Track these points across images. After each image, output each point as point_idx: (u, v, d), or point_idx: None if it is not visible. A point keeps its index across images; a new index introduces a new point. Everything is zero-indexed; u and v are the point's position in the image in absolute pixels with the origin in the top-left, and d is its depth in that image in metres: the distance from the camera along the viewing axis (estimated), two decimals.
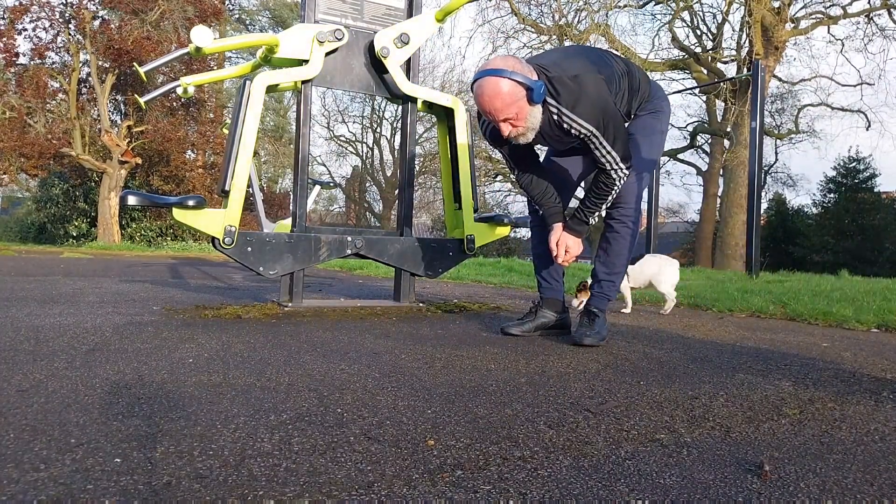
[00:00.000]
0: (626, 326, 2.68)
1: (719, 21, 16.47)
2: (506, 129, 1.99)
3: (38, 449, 0.99)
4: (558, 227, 2.22)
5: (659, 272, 3.11)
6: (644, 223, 7.03)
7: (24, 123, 12.77)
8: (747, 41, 14.40)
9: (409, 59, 3.06)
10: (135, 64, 3.56)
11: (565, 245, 2.17)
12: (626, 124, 2.21)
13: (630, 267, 3.05)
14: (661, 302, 3.70)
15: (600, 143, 2.01)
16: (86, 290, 3.60)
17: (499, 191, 24.52)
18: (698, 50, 16.16)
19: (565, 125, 2.02)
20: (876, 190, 21.34)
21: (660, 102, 2.28)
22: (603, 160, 2.04)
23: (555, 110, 2.00)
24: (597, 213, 2.19)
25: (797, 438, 1.18)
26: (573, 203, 2.50)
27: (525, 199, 2.47)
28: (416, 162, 4.93)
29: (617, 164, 2.04)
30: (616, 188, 2.10)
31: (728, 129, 15.30)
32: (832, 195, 21.85)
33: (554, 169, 2.39)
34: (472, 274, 5.91)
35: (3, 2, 12.57)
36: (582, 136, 2.02)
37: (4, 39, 12.19)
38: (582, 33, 15.12)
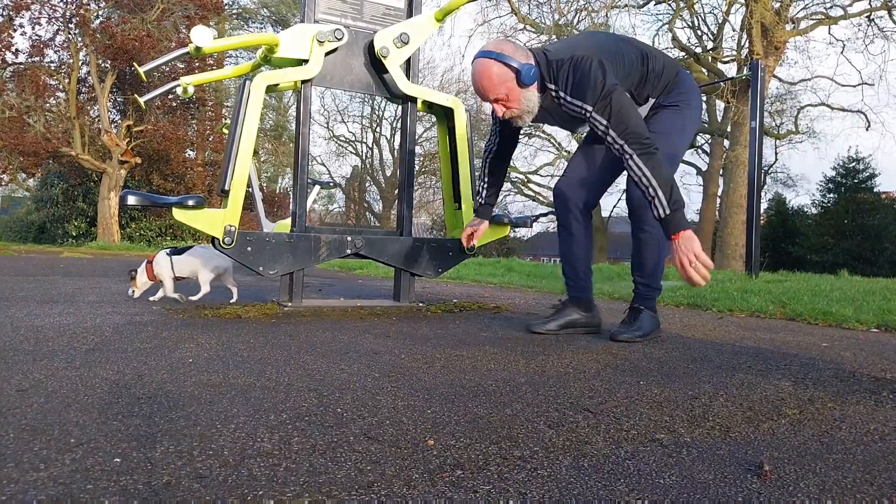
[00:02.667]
0: None
1: (720, 21, 16.49)
2: (499, 110, 2.07)
3: (37, 449, 0.99)
4: (481, 222, 2.61)
5: (203, 264, 3.09)
6: None
7: (23, 122, 12.76)
8: (747, 41, 14.40)
9: (409, 59, 3.06)
10: (134, 64, 3.56)
11: (689, 254, 1.84)
12: (644, 117, 2.18)
13: (176, 258, 3.06)
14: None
15: (597, 120, 1.95)
16: (85, 290, 3.60)
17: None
18: (698, 50, 16.16)
19: (563, 107, 2.03)
20: (875, 190, 21.35)
21: (685, 95, 2.22)
22: (606, 139, 1.96)
23: (553, 94, 2.03)
24: (657, 201, 1.88)
25: (797, 438, 1.18)
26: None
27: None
28: (415, 162, 4.92)
29: (617, 141, 1.92)
30: (636, 168, 1.90)
31: (728, 130, 15.31)
32: (832, 195, 21.85)
33: (588, 152, 2.39)
34: (472, 274, 5.91)
35: None
36: (581, 115, 2.00)
37: (3, 35, 12.17)
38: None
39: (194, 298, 3.12)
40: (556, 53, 2.03)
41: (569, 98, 1.99)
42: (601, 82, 1.95)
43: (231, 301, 3.13)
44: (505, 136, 2.50)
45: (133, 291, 3.14)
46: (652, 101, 2.21)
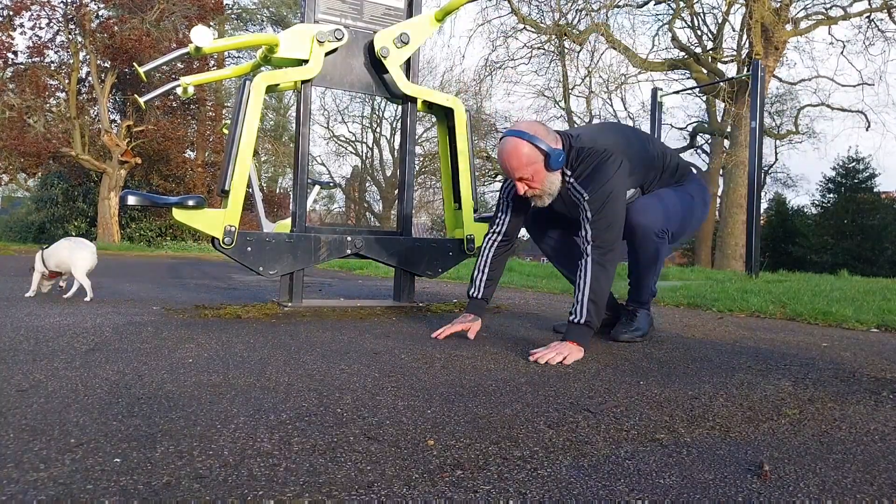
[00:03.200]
0: None
1: (720, 21, 16.48)
2: (521, 188, 2.06)
3: (38, 449, 0.99)
4: (475, 319, 2.23)
5: (69, 256, 2.99)
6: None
7: (24, 123, 12.76)
8: (747, 42, 14.39)
9: (409, 59, 3.06)
10: (135, 64, 3.56)
11: (562, 355, 1.85)
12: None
13: (45, 251, 3.01)
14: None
15: (586, 210, 1.99)
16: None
17: (498, 190, 24.50)
18: (698, 50, 16.15)
19: (569, 191, 2.07)
20: (875, 190, 21.36)
21: (692, 184, 2.30)
22: (582, 228, 1.99)
23: (568, 178, 2.06)
24: (579, 307, 1.93)
25: (797, 438, 1.18)
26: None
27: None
28: (415, 162, 4.92)
29: (588, 238, 1.96)
30: (584, 268, 1.94)
31: (728, 130, 15.31)
32: (832, 195, 21.86)
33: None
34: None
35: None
36: (577, 200, 2.04)
37: (4, 35, 12.17)
38: (582, 33, 15.12)
39: (67, 296, 3.03)
40: (581, 140, 2.07)
41: (576, 184, 2.04)
42: (611, 182, 1.99)
43: (85, 299, 3.03)
44: (515, 213, 2.30)
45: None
46: None
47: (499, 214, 2.32)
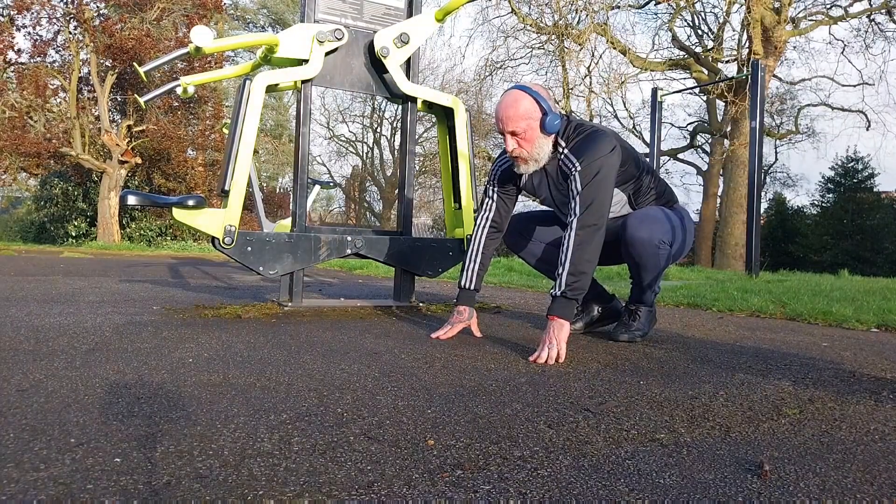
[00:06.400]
0: None
1: (720, 21, 16.48)
2: (510, 143, 2.05)
3: (38, 449, 0.99)
4: (471, 313, 2.20)
5: None
6: None
7: (24, 122, 12.76)
8: (747, 41, 14.38)
9: (409, 59, 3.06)
10: (135, 64, 3.56)
11: (555, 338, 1.86)
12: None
13: None
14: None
15: (576, 180, 1.97)
16: (86, 290, 3.60)
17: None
18: (699, 50, 16.15)
19: (560, 163, 2.06)
20: (875, 190, 21.34)
21: (678, 209, 2.30)
22: (570, 202, 1.97)
23: (561, 149, 2.06)
24: (561, 279, 1.91)
25: (797, 438, 1.18)
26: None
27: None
28: (416, 162, 4.93)
29: (576, 210, 1.94)
30: (567, 239, 1.93)
31: (728, 129, 15.31)
32: (831, 195, 21.85)
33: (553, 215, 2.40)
34: None
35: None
36: (568, 171, 2.02)
37: (4, 35, 12.17)
38: (582, 33, 15.12)
39: None
40: (581, 119, 2.12)
41: (569, 153, 2.02)
42: (605, 158, 1.98)
43: None
44: (503, 197, 2.26)
45: None
46: None
47: (486, 200, 2.29)
